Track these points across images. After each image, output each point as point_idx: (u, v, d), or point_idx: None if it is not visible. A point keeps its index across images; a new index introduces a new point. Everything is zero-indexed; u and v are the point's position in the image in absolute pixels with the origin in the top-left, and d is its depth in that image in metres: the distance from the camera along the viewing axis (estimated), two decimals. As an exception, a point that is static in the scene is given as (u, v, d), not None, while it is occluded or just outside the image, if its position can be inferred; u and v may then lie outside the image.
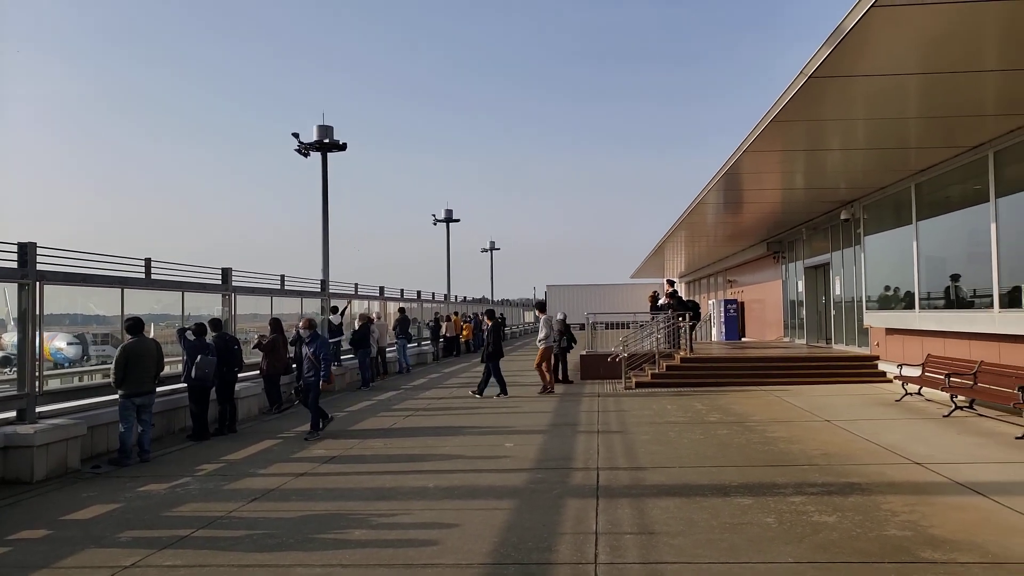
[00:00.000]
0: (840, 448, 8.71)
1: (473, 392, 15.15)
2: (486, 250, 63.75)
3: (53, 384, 11.76)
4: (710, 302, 32.12)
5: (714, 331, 28.73)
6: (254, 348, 13.50)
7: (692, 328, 18.69)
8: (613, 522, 6.03)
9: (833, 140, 11.81)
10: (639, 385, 15.99)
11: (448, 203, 53.74)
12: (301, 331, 11.55)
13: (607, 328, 21.86)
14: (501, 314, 46.69)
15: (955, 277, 12.73)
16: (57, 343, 29.49)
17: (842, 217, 17.16)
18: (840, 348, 18.32)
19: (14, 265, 8.83)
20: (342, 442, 10.33)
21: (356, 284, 21.72)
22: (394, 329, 21.86)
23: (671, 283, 19.93)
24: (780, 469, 7.74)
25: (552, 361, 16.01)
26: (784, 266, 23.66)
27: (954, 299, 12.63)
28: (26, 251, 8.96)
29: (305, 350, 11.10)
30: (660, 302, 19.79)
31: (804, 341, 20.92)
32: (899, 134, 11.27)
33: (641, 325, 19.30)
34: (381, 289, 23.84)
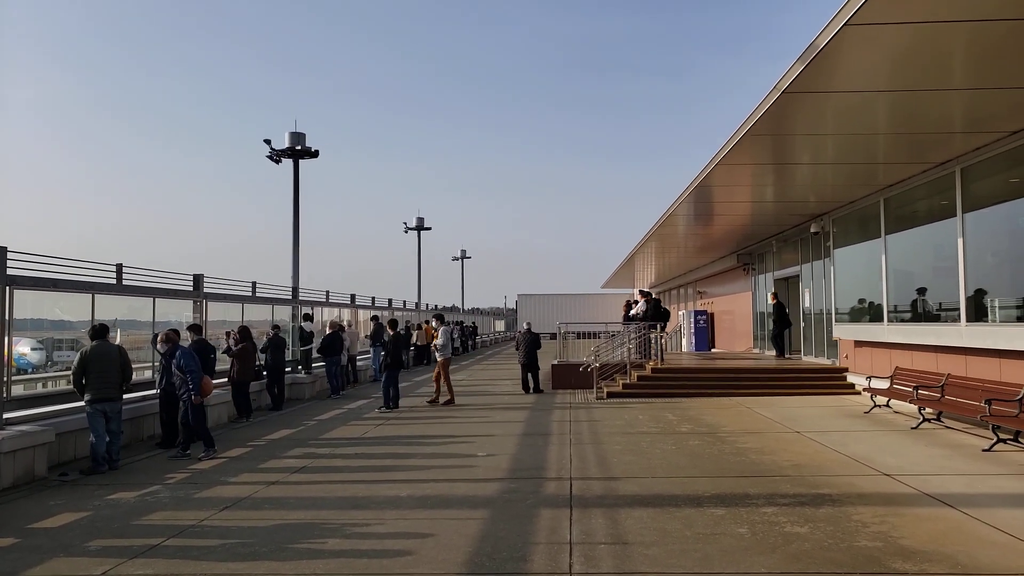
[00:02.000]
0: (811, 459, 8.86)
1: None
2: (457, 259, 63.75)
3: (17, 390, 11.49)
4: (680, 313, 32.44)
5: (684, 342, 29.01)
6: (223, 352, 13.36)
7: (662, 338, 18.88)
8: (587, 532, 6.06)
9: (804, 154, 12.07)
10: (611, 395, 16.09)
11: (420, 211, 53.67)
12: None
13: (578, 337, 21.99)
14: (473, 323, 46.65)
15: (922, 291, 13.04)
16: (20, 348, 28.76)
17: (812, 230, 17.50)
18: (809, 360, 18.62)
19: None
20: (313, 451, 10.24)
21: (327, 292, 21.59)
22: (368, 337, 21.74)
23: (643, 294, 20.09)
24: (752, 480, 7.85)
25: (448, 371, 15.56)
26: (754, 278, 24.02)
27: (921, 312, 12.93)
28: (-6, 254, 8.77)
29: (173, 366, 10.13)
30: (634, 311, 19.95)
31: (774, 353, 21.23)
32: (869, 149, 11.55)
33: (612, 335, 19.45)
34: (352, 297, 23.71)
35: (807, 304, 19.13)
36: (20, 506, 7.37)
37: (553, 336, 20.58)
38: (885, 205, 14.06)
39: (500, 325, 68.03)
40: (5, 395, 8.81)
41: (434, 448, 10.27)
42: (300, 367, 17.84)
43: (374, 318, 22.18)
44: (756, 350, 23.46)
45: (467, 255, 66.27)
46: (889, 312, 13.94)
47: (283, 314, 18.10)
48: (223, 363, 13.45)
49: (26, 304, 10.67)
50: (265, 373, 14.92)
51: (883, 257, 14.06)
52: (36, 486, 8.26)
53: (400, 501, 7.27)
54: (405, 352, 26.99)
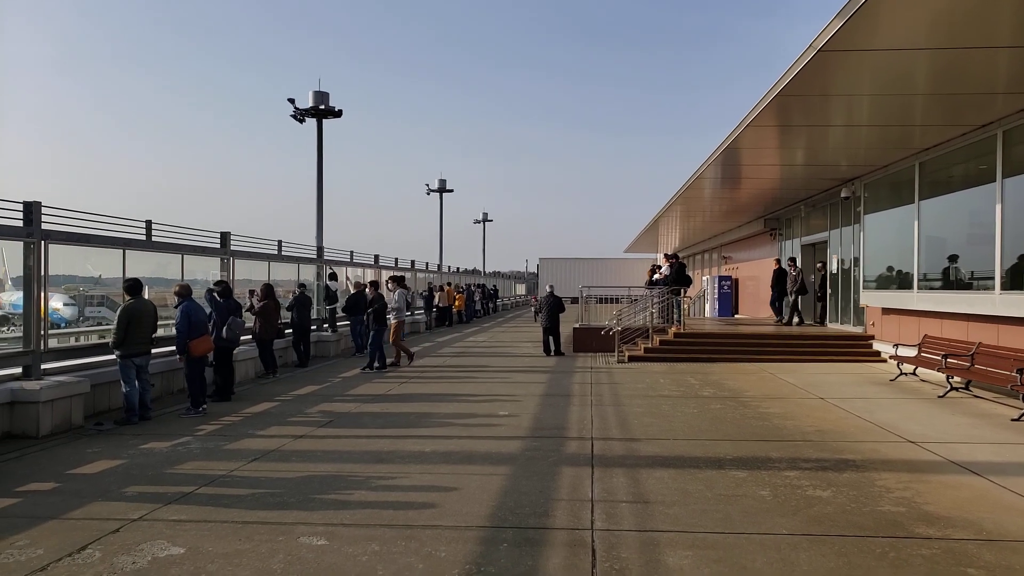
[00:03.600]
0: (834, 425, 8.84)
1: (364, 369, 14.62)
2: (479, 221, 63.72)
3: (51, 344, 11.78)
4: (704, 278, 32.23)
5: (707, 307, 28.86)
6: (247, 311, 13.55)
7: (685, 303, 18.80)
8: (608, 491, 6.13)
9: (838, 116, 11.77)
10: (632, 359, 16.11)
11: (442, 173, 53.52)
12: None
13: (600, 302, 21.96)
14: (494, 286, 46.72)
15: (954, 258, 12.80)
16: (54, 303, 29.39)
17: (842, 195, 17.18)
18: (835, 327, 18.46)
19: (20, 224, 8.81)
20: (339, 406, 10.42)
21: (351, 252, 21.72)
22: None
23: (668, 257, 19.93)
24: (774, 444, 7.86)
25: (400, 334, 15.45)
26: (781, 243, 23.72)
27: (953, 280, 12.71)
28: (31, 210, 8.93)
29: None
30: (658, 275, 19.83)
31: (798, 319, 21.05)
32: (906, 111, 11.24)
33: (635, 300, 19.39)
34: (376, 258, 23.84)
35: (834, 270, 18.88)
36: (59, 453, 7.61)
37: (575, 300, 20.55)
38: (920, 169, 13.74)
39: (521, 288, 68.11)
40: (42, 347, 9.04)
41: (457, 406, 10.40)
42: (326, 325, 18.06)
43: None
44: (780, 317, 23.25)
45: (489, 218, 66.29)
46: (919, 279, 13.72)
47: (308, 273, 18.26)
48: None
49: (59, 260, 10.91)
50: (291, 331, 15.13)
51: (915, 223, 13.79)
52: (73, 434, 8.52)
53: (424, 456, 7.39)
54: (429, 313, 27.27)
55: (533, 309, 28.44)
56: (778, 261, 19.98)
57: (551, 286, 18.83)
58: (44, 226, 9.03)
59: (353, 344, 17.62)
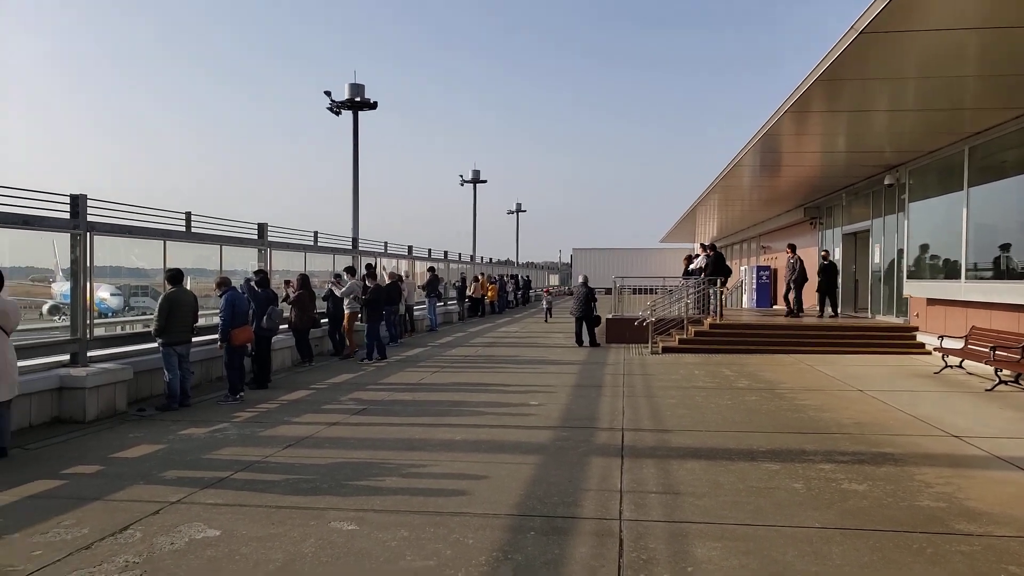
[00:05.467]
0: (873, 418, 8.65)
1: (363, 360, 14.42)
2: (512, 212, 63.62)
3: (97, 333, 12.13)
4: (742, 268, 31.74)
5: (745, 298, 28.44)
6: (283, 301, 13.75)
7: (722, 293, 18.53)
8: (638, 481, 6.10)
9: (881, 100, 11.44)
10: (666, 350, 15.97)
11: (476, 164, 53.51)
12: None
13: (634, 293, 21.79)
14: (527, 276, 46.66)
15: (1006, 247, 12.38)
16: (100, 293, 30.27)
17: (885, 182, 16.75)
18: (877, 318, 18.04)
19: (67, 216, 9.07)
20: (372, 394, 10.55)
21: (385, 243, 21.91)
22: (424, 288, 22.06)
23: (705, 247, 19.66)
24: (809, 436, 7.73)
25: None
26: (821, 232, 23.24)
27: (1004, 269, 12.30)
28: (77, 202, 9.18)
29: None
30: (694, 265, 19.57)
31: (838, 310, 20.63)
32: (954, 94, 10.87)
33: (670, 290, 19.19)
34: (410, 248, 24.01)
35: (876, 260, 18.43)
36: (103, 437, 7.85)
37: (608, 291, 20.41)
38: (970, 155, 13.30)
39: (554, 279, 67.96)
40: (88, 335, 9.31)
41: (488, 396, 10.43)
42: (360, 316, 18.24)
43: (431, 269, 22.46)
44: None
45: (523, 209, 66.19)
46: (967, 269, 13.32)
47: (344, 263, 18.44)
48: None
49: (105, 251, 11.22)
50: (326, 320, 15.33)
51: (964, 211, 13.37)
52: (117, 419, 8.77)
53: (455, 444, 7.44)
54: (462, 304, 27.36)
55: (544, 304, 27.73)
56: (791, 247, 19.41)
57: (584, 276, 18.74)
58: (89, 218, 9.28)
59: (387, 334, 17.78)
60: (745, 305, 27.92)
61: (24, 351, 8.21)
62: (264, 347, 11.33)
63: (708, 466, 6.54)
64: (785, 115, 11.96)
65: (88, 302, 9.33)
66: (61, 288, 27.27)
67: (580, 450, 7.19)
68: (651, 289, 20.89)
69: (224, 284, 10.40)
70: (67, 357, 9.05)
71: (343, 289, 15.16)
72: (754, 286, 27.81)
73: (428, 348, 17.01)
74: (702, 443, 7.47)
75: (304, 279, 13.90)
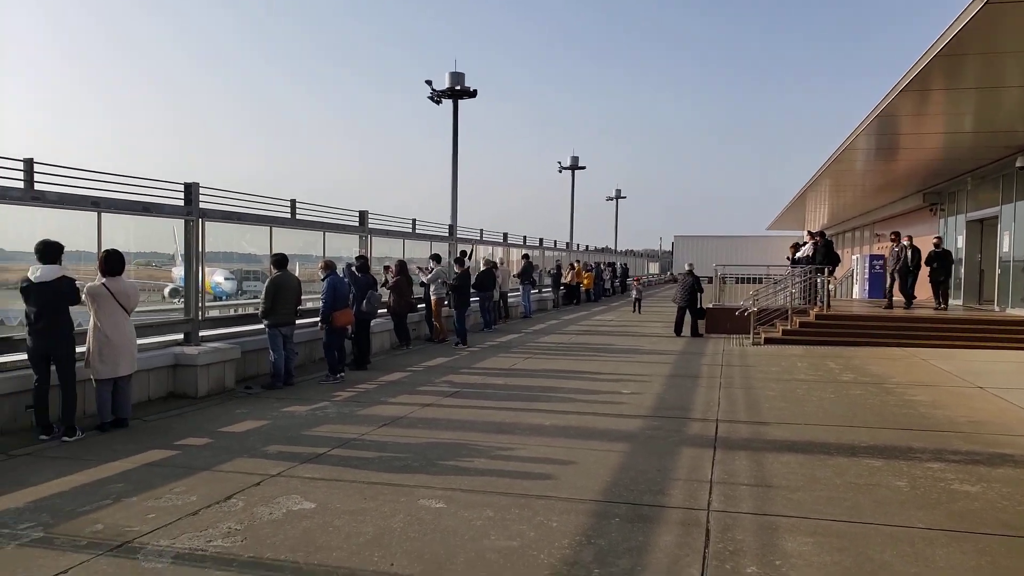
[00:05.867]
0: (992, 416, 8.04)
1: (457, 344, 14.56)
2: (611, 198, 62.86)
3: (213, 314, 12.91)
4: (853, 257, 30.10)
5: (856, 288, 26.97)
6: (382, 286, 14.17)
7: (829, 283, 17.64)
8: (729, 472, 5.93)
9: (1012, 75, 10.55)
10: (768, 341, 15.40)
11: (575, 151, 53.12)
12: (319, 272, 11.14)
13: (737, 282, 21.11)
14: (624, 264, 46.04)
15: None
16: (216, 278, 32.32)
17: (1017, 164, 15.43)
18: (1006, 311, 16.70)
19: (181, 203, 9.69)
20: (465, 378, 10.73)
21: (481, 230, 22.16)
22: (518, 276, 22.19)
23: (812, 235, 18.76)
24: (918, 434, 7.27)
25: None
26: (942, 220, 21.72)
27: None
28: (191, 190, 9.79)
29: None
30: (800, 253, 18.73)
31: (960, 302, 19.26)
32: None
33: (776, 281, 18.46)
34: (505, 235, 24.18)
35: (1006, 249, 17.04)
36: (213, 412, 8.37)
37: (709, 280, 19.85)
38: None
39: (654, 267, 66.76)
40: (200, 316, 9.94)
41: (579, 383, 10.40)
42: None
43: (525, 256, 22.56)
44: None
45: (622, 195, 65.30)
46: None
47: (440, 250, 18.79)
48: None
49: (219, 237, 11.93)
50: (423, 305, 15.70)
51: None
52: (226, 396, 9.33)
53: (544, 429, 7.47)
54: (556, 291, 27.36)
55: (633, 294, 26.21)
56: (899, 235, 18.00)
57: (690, 264, 18.32)
58: (201, 205, 9.88)
59: (481, 320, 18.03)
60: (856, 296, 26.49)
61: (142, 330, 8.85)
62: (364, 330, 11.74)
63: (805, 460, 6.28)
64: (901, 94, 11.23)
65: (201, 285, 9.94)
66: (181, 272, 29.24)
67: (671, 440, 7.06)
68: (755, 278, 20.18)
69: (328, 268, 10.85)
70: (181, 336, 9.68)
71: (429, 276, 15.48)
72: (866, 276, 26.31)
73: (521, 335, 17.13)
74: (800, 436, 7.18)
75: (402, 265, 14.28)
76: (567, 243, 34.62)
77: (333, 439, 7.05)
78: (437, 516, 4.96)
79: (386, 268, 14.67)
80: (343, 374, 10.70)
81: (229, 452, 6.56)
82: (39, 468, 6.00)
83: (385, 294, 13.92)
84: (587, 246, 40.75)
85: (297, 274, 11.87)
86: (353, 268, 11.81)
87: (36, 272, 6.77)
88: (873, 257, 26.66)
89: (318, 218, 12.88)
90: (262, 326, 10.18)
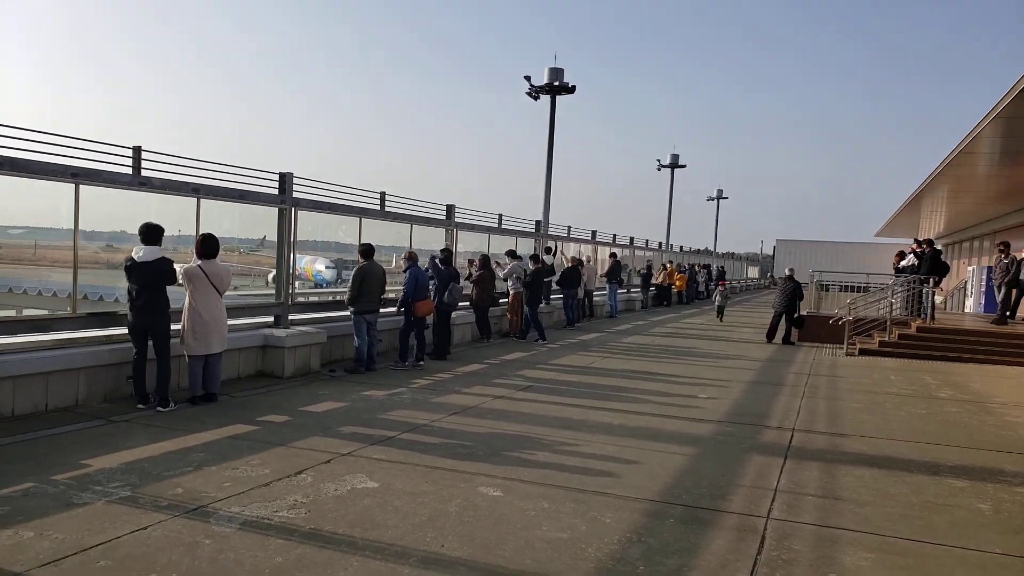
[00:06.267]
0: (1104, 443, 7.39)
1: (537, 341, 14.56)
2: (712, 199, 61.25)
3: (312, 300, 13.53)
4: (969, 268, 28.16)
5: (970, 302, 25.22)
6: (465, 279, 14.40)
7: (934, 294, 16.59)
8: (797, 483, 5.74)
9: None
10: (863, 352, 14.67)
11: (675, 148, 52.09)
12: (402, 262, 11.55)
13: (840, 290, 20.20)
14: (721, 266, 44.82)
15: None
16: (317, 266, 33.81)
17: None
18: None
19: (275, 192, 10.21)
20: (540, 373, 10.80)
21: (569, 227, 22.14)
22: (605, 275, 22.03)
23: (919, 243, 17.69)
24: (1013, 456, 6.78)
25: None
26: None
27: None
28: (285, 180, 10.30)
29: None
30: (904, 262, 17.72)
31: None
32: None
33: (877, 290, 17.53)
34: (593, 233, 24.03)
35: None
36: (296, 392, 8.79)
37: (806, 286, 19.07)
38: None
39: (753, 271, 64.63)
40: (290, 301, 10.45)
41: (655, 385, 10.27)
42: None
43: (612, 255, 22.36)
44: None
45: (724, 195, 63.56)
46: None
47: (525, 246, 18.93)
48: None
49: (318, 227, 12.51)
50: (502, 300, 15.85)
51: None
52: (310, 377, 9.77)
53: (611, 428, 7.44)
54: (646, 292, 26.97)
55: (716, 300, 23.35)
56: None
57: (790, 269, 17.65)
58: (295, 194, 10.37)
59: (564, 317, 18.04)
60: (969, 309, 24.79)
61: (235, 311, 9.40)
62: (444, 321, 12.01)
63: (880, 475, 5.99)
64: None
65: (291, 271, 10.45)
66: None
67: (741, 446, 6.89)
68: (858, 287, 19.25)
69: (410, 259, 11.19)
70: (272, 319, 10.20)
71: (504, 271, 15.63)
72: (982, 289, 24.58)
73: (604, 334, 17.03)
74: (879, 451, 6.84)
75: (485, 259, 14.49)
76: (659, 243, 34.04)
77: (404, 424, 7.28)
78: (493, 503, 5.05)
79: (470, 262, 14.92)
80: (422, 363, 11.00)
81: (305, 430, 6.89)
82: (133, 434, 6.50)
83: (467, 287, 14.16)
84: (682, 247, 39.97)
85: (393, 266, 12.27)
86: (437, 260, 12.10)
87: (139, 252, 7.32)
88: (990, 269, 24.86)
89: (406, 211, 13.24)
90: (347, 312, 10.58)
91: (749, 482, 5.74)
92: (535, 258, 15.89)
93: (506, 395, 8.99)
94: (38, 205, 8.53)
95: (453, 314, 12.54)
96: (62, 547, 4.04)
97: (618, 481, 5.64)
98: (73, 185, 7.39)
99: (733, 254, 59.91)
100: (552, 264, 18.94)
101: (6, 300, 16.62)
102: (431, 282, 11.68)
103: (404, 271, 11.07)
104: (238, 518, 4.58)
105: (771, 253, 70.33)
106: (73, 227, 7.50)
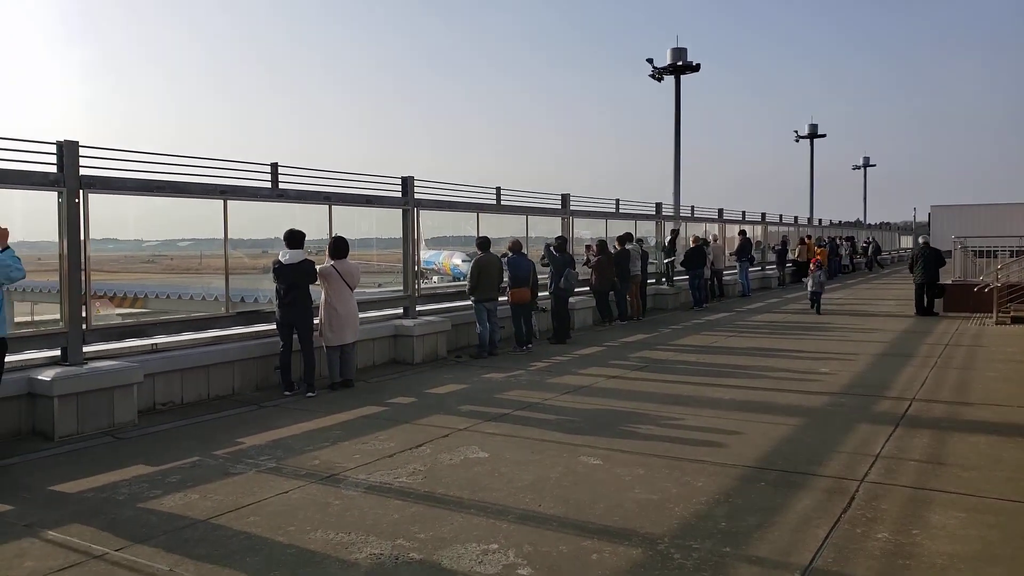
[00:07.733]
0: None
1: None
2: (858, 167, 57.56)
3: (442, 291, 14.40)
4: None
5: None
6: (584, 265, 14.72)
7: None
8: (901, 448, 5.69)
9: None
10: (1016, 320, 13.57)
11: (812, 118, 49.37)
12: (509, 252, 11.78)
13: (991, 256, 18.64)
14: (870, 238, 41.99)
15: None
16: (454, 260, 35.32)
17: None
18: None
19: (399, 195, 11.05)
20: (658, 354, 10.98)
21: (692, 207, 21.82)
22: (735, 253, 21.55)
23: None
24: None
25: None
26: None
27: None
28: (407, 184, 11.12)
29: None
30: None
31: None
32: None
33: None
34: (720, 211, 23.49)
35: None
36: (424, 376, 9.55)
37: (950, 252, 17.79)
38: None
39: (906, 241, 60.08)
40: (416, 293, 11.28)
41: (775, 361, 10.17)
42: (663, 279, 18.66)
43: (741, 233, 21.82)
44: None
45: (871, 163, 59.56)
46: None
47: (645, 229, 18.93)
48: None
49: (447, 223, 13.36)
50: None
51: None
52: (438, 363, 10.52)
53: (720, 403, 7.58)
54: (782, 268, 25.94)
55: (810, 286, 16.90)
56: None
57: (925, 238, 16.69)
58: (416, 196, 11.17)
59: (691, 298, 17.92)
60: None
61: (368, 304, 10.31)
62: (562, 306, 12.44)
63: (997, 441, 5.80)
64: None
65: (416, 266, 11.27)
66: (424, 255, 32.27)
67: (852, 417, 6.84)
68: (1013, 251, 17.73)
69: (514, 249, 11.74)
70: (401, 311, 11.06)
71: (636, 266, 15.72)
72: None
73: (732, 313, 16.77)
74: (1004, 418, 6.57)
75: (603, 244, 14.75)
76: (795, 217, 32.54)
77: (518, 402, 7.79)
78: (591, 471, 5.44)
79: (587, 247, 15.21)
80: (530, 346, 11.53)
81: (429, 409, 7.57)
82: (280, 417, 7.44)
83: (585, 272, 14.49)
84: (829, 220, 37.98)
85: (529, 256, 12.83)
86: (552, 248, 12.54)
87: (285, 255, 8.30)
88: None
89: (521, 203, 13.78)
90: (470, 302, 11.27)
91: (851, 449, 5.76)
92: (602, 244, 15.26)
93: (620, 375, 9.29)
94: (198, 215, 9.76)
95: (570, 300, 12.92)
96: (221, 506, 4.86)
97: (717, 451, 5.84)
98: (222, 201, 8.50)
99: (889, 224, 56.05)
100: (675, 245, 18.83)
101: (176, 306, 18.81)
102: (546, 269, 12.13)
103: (502, 258, 11.66)
104: (364, 483, 5.26)
105: (926, 220, 65.01)
106: (223, 237, 8.61)
